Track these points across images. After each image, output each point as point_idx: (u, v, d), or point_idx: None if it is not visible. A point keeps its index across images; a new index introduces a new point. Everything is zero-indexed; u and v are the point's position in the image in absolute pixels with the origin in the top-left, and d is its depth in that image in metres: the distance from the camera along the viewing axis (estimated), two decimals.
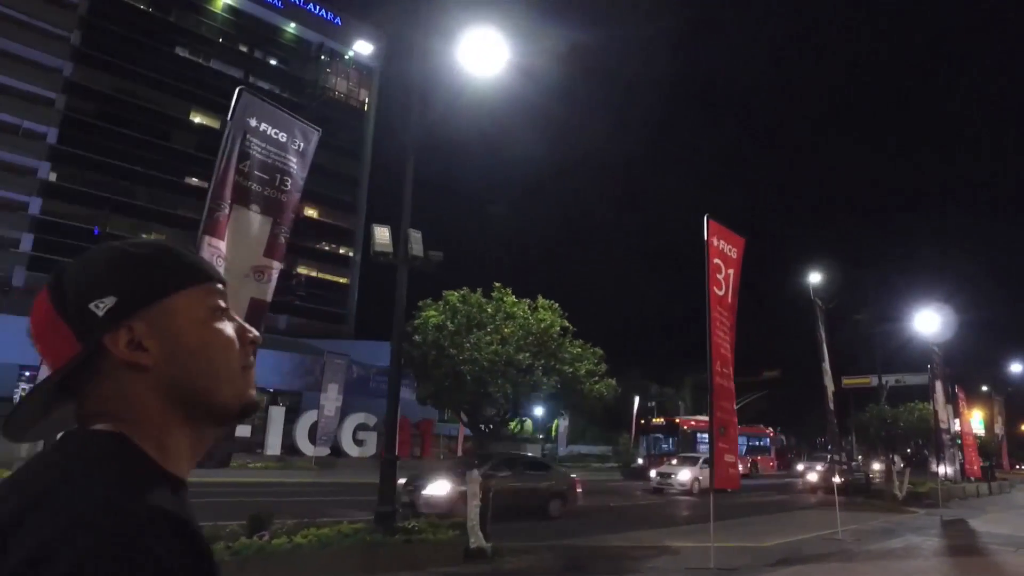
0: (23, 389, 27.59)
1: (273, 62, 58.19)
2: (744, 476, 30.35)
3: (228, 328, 0.81)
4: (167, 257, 0.80)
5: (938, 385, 17.55)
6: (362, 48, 58.54)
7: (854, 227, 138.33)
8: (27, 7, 42.80)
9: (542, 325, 8.30)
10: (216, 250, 6.57)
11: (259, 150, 7.13)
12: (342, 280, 58.58)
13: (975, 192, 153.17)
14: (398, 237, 9.73)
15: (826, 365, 12.92)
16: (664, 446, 32.28)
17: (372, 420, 27.66)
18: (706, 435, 31.26)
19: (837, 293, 27.17)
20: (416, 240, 9.86)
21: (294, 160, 7.46)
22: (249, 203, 6.95)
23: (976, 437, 32.48)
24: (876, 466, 53.24)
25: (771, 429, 42.56)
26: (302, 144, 7.58)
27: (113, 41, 46.57)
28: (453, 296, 8.62)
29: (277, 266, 7.11)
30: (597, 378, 9.23)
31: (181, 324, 0.77)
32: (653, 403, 41.90)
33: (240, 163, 6.88)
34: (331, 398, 24.57)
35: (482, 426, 9.50)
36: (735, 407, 10.11)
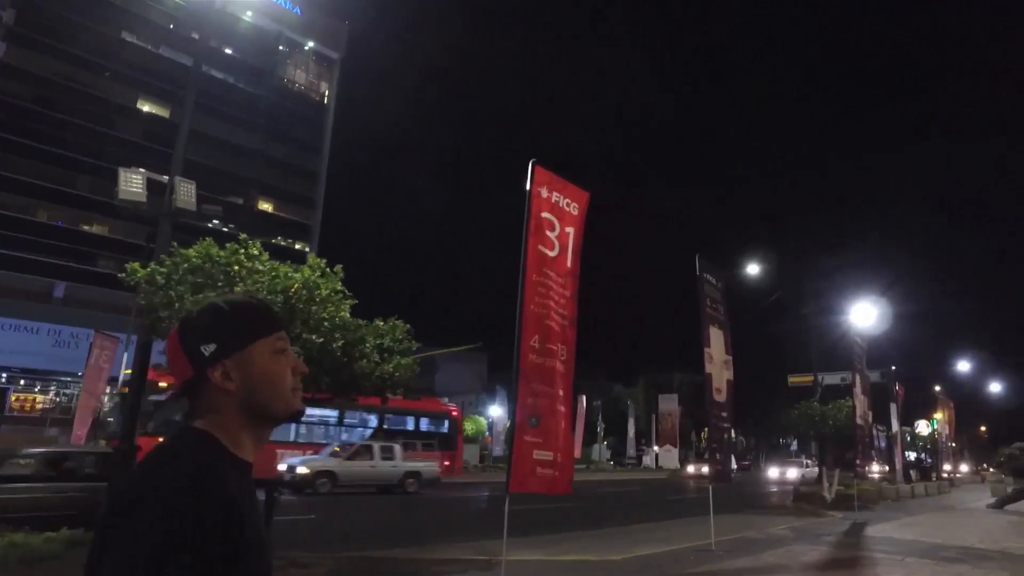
0: None
1: (228, 51, 56.28)
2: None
3: (285, 364, 1.22)
4: (252, 315, 1.22)
5: (858, 379, 16.18)
6: None
7: (800, 223, 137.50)
8: None
9: (293, 285, 6.76)
10: None
11: None
12: None
13: (928, 188, 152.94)
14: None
15: (710, 350, 11.46)
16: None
17: None
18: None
19: (778, 285, 25.90)
20: (186, 191, 8.26)
21: None
22: None
23: (917, 437, 31.49)
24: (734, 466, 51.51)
25: (455, 409, 29.74)
26: None
27: (51, 22, 44.62)
28: (191, 251, 7.06)
29: None
30: (385, 355, 7.70)
31: (256, 363, 1.18)
32: (599, 403, 40.30)
33: None
34: None
35: None
36: (565, 394, 8.45)
